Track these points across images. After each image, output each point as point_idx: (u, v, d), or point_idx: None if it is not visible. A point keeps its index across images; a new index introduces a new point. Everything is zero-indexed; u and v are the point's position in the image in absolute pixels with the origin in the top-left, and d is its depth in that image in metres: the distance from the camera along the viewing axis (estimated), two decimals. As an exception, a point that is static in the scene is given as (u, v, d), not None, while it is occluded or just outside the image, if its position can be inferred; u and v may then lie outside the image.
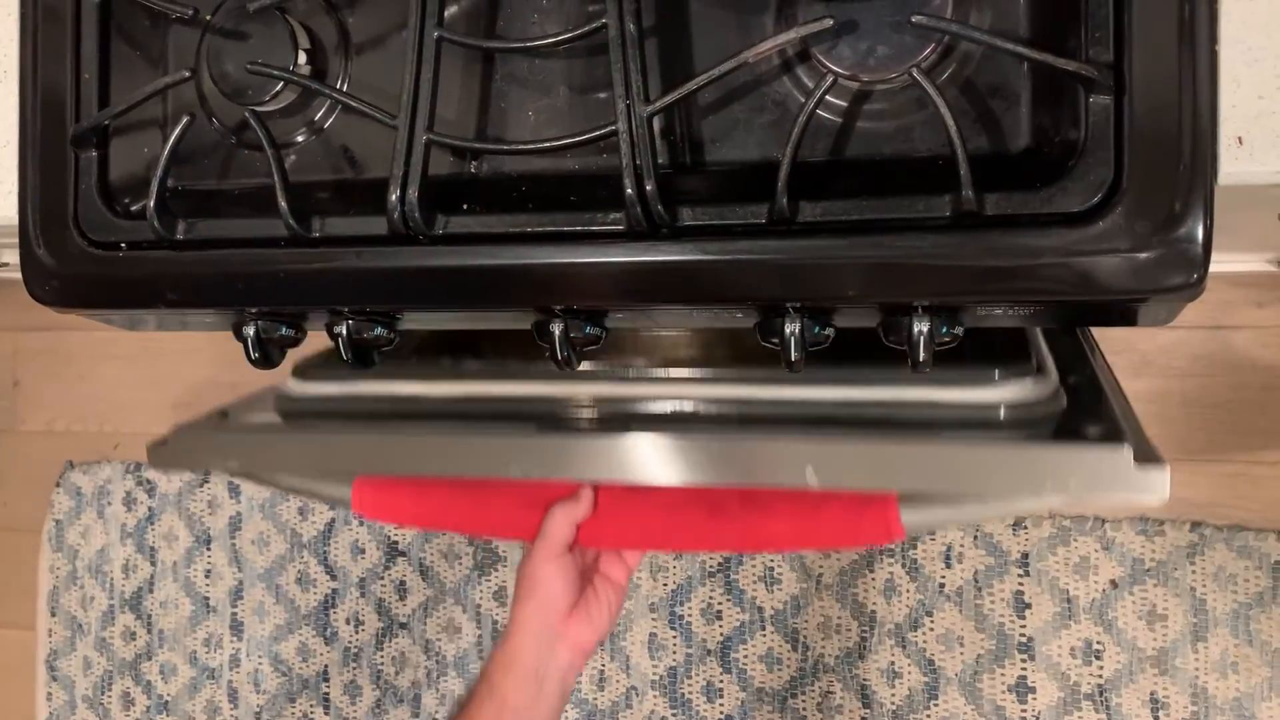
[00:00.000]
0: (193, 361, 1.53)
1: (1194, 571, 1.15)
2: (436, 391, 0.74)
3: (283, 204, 0.54)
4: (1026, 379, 0.64)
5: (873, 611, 1.25)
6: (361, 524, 1.43)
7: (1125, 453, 0.56)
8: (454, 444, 0.67)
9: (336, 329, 0.59)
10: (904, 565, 1.24)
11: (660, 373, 0.71)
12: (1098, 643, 1.18)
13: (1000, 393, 0.63)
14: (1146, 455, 0.56)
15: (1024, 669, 1.20)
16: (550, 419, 0.69)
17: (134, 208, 0.61)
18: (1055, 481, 0.56)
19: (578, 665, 0.75)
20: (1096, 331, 0.81)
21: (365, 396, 0.74)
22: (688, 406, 0.69)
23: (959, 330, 0.52)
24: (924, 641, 1.24)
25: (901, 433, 0.62)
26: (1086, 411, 0.64)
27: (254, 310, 0.60)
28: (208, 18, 0.59)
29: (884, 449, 0.60)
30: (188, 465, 0.73)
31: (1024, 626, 1.20)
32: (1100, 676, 1.18)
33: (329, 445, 0.70)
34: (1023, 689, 1.20)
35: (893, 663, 1.24)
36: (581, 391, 0.71)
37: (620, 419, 0.69)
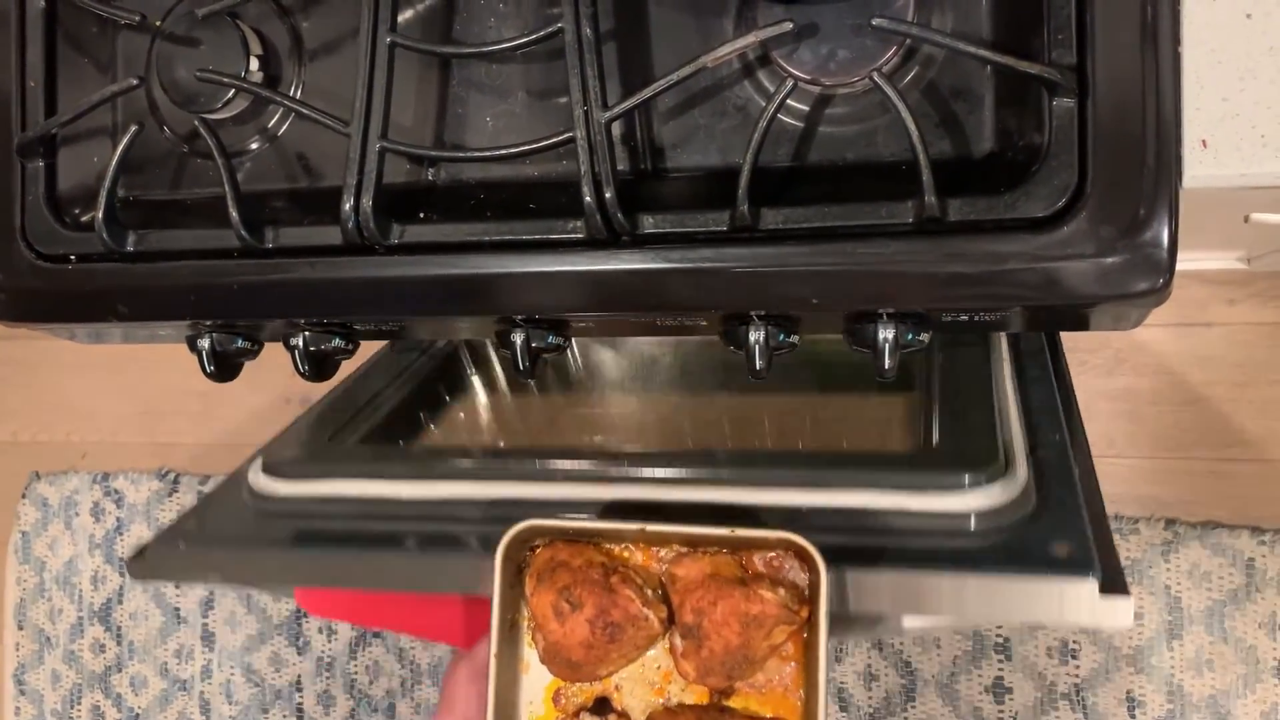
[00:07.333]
0: (160, 369, 1.51)
1: (1168, 569, 1.15)
2: (411, 493, 0.73)
3: (234, 214, 0.53)
4: (995, 484, 0.63)
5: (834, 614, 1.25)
6: (333, 532, 1.41)
7: (1090, 586, 0.55)
8: (427, 565, 0.67)
9: (292, 341, 0.58)
10: (880, 567, 1.24)
11: (631, 473, 0.70)
12: (1074, 642, 1.18)
13: (969, 501, 0.62)
14: (1112, 581, 0.55)
15: (1001, 669, 1.20)
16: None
17: (83, 219, 0.59)
18: (1022, 611, 0.56)
19: None
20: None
21: (340, 499, 0.73)
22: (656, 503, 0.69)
23: (924, 336, 0.51)
24: (900, 644, 1.23)
25: (867, 550, 0.61)
26: (1055, 518, 0.62)
27: (208, 323, 0.58)
28: (157, 23, 0.57)
29: (848, 576, 0.60)
30: (168, 578, 0.73)
31: (1000, 627, 1.20)
32: (1077, 676, 1.18)
33: (306, 562, 0.69)
34: (999, 689, 1.20)
35: (870, 665, 1.24)
36: (557, 493, 0.70)
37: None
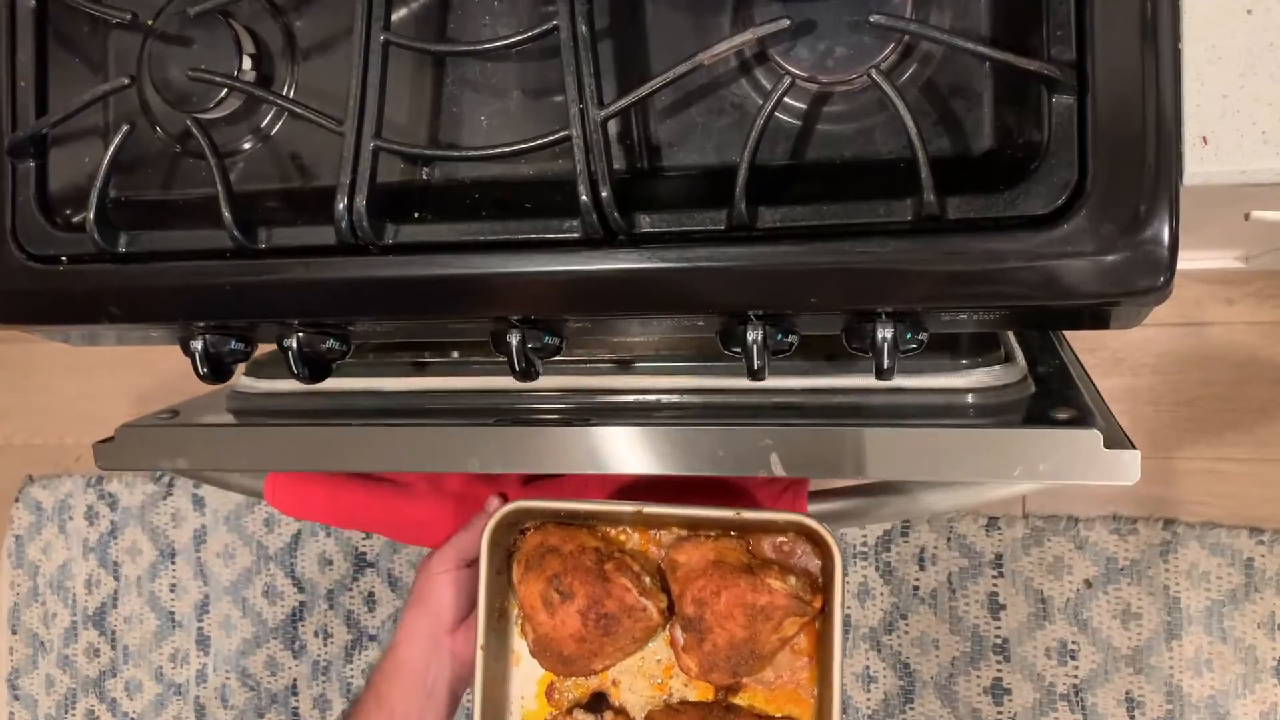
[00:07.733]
0: (155, 372, 1.51)
1: (1167, 569, 1.15)
2: (392, 387, 0.73)
3: (227, 215, 0.53)
4: (994, 366, 0.63)
5: (846, 615, 1.24)
6: (329, 535, 1.41)
7: (1095, 437, 0.55)
8: (411, 437, 0.65)
9: (286, 342, 0.57)
10: (877, 568, 1.24)
11: (625, 364, 0.69)
12: (1073, 643, 1.17)
13: (968, 379, 0.63)
14: (1116, 439, 0.56)
15: (999, 670, 1.19)
16: (511, 412, 0.68)
17: (75, 220, 0.59)
18: (1025, 466, 0.56)
19: (465, 678, 0.73)
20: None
21: (320, 392, 0.72)
22: (651, 398, 0.67)
23: (923, 336, 0.51)
24: (899, 645, 1.23)
25: (869, 420, 0.61)
26: (1055, 397, 0.63)
27: (201, 324, 0.58)
28: (149, 22, 0.57)
29: (851, 435, 0.59)
30: (135, 464, 0.73)
31: (999, 628, 1.19)
32: (1076, 677, 1.17)
33: (281, 441, 0.68)
34: (998, 690, 1.19)
35: (868, 667, 1.24)
36: (544, 384, 0.69)
37: (584, 410, 0.67)
